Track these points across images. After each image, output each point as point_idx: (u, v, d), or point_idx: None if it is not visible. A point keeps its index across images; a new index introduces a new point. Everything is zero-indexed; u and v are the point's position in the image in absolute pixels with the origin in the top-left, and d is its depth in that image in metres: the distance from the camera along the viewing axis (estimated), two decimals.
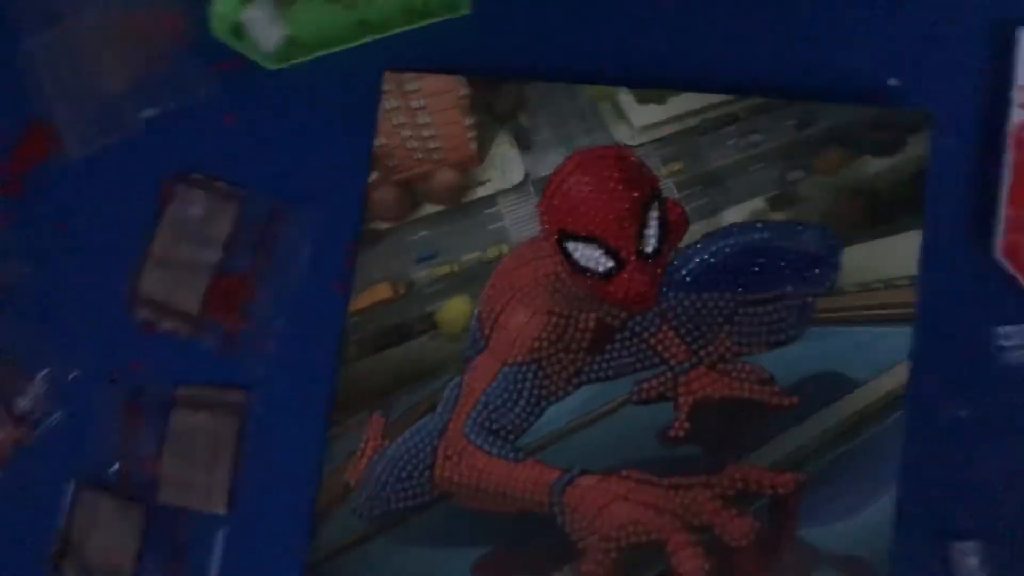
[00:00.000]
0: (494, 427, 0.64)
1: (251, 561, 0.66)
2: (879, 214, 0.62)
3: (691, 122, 0.66)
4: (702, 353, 0.63)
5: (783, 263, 0.63)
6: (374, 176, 0.69)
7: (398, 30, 0.71)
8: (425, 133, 0.69)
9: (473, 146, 0.68)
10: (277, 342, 0.68)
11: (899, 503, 0.58)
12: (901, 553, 0.58)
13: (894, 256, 0.61)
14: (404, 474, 0.65)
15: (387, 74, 0.70)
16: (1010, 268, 0.60)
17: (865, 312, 0.61)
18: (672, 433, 0.62)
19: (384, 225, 0.68)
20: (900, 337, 0.60)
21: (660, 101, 0.66)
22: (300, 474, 0.66)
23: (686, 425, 0.62)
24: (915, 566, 0.59)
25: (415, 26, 0.71)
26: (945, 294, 0.61)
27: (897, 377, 0.60)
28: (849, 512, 0.59)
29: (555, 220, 0.66)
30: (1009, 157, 0.61)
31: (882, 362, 0.60)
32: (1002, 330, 0.61)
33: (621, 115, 0.67)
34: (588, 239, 0.65)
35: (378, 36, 0.71)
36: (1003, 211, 0.61)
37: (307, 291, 0.69)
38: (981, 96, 0.64)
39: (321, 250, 0.69)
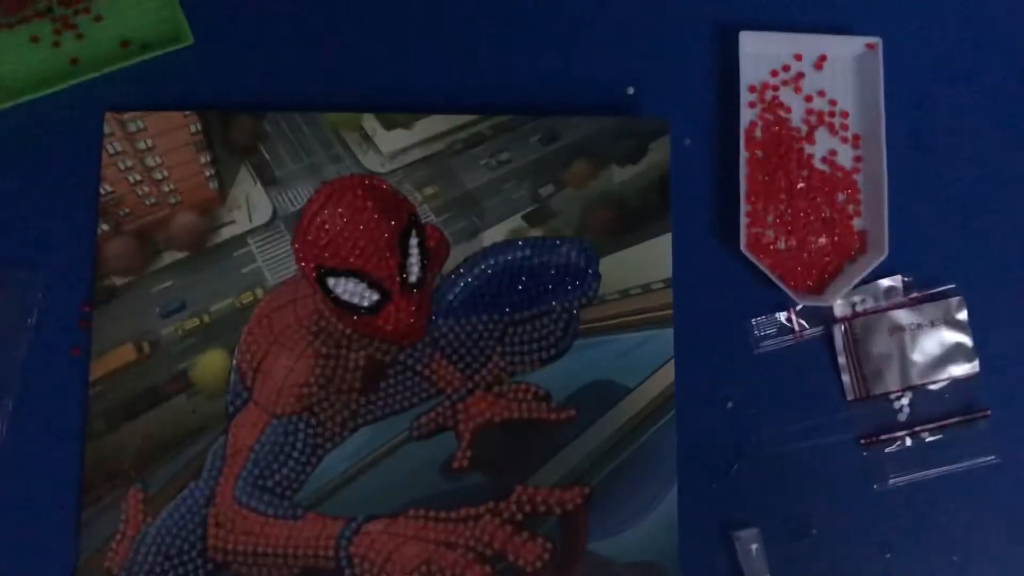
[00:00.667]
0: (268, 485, 0.60)
1: None
2: (630, 222, 0.63)
3: (440, 145, 0.64)
4: (476, 378, 0.61)
5: (545, 279, 0.63)
6: (104, 227, 0.63)
7: (117, 67, 0.65)
8: (157, 175, 0.64)
9: (212, 185, 0.64)
10: (8, 423, 0.61)
11: (680, 499, 0.60)
12: (688, 549, 0.59)
13: (649, 261, 0.63)
14: (173, 551, 0.59)
15: (108, 115, 0.64)
16: (755, 261, 0.63)
17: (628, 318, 0.62)
18: (456, 464, 0.60)
19: (121, 280, 0.62)
20: (663, 339, 0.62)
21: (407, 126, 0.64)
22: (52, 568, 0.59)
23: (469, 454, 0.60)
24: (702, 560, 0.60)
25: (135, 61, 0.65)
26: (700, 292, 0.63)
27: (665, 379, 0.61)
28: (636, 518, 0.60)
29: (312, 257, 0.62)
30: (743, 155, 0.64)
31: (649, 366, 0.62)
32: (755, 321, 0.63)
33: (368, 142, 0.64)
34: (349, 273, 0.62)
35: (95, 75, 0.65)
36: (743, 207, 0.64)
37: (39, 363, 0.62)
38: (713, 99, 0.67)
39: (51, 315, 0.62)
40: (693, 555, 0.60)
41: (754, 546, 0.59)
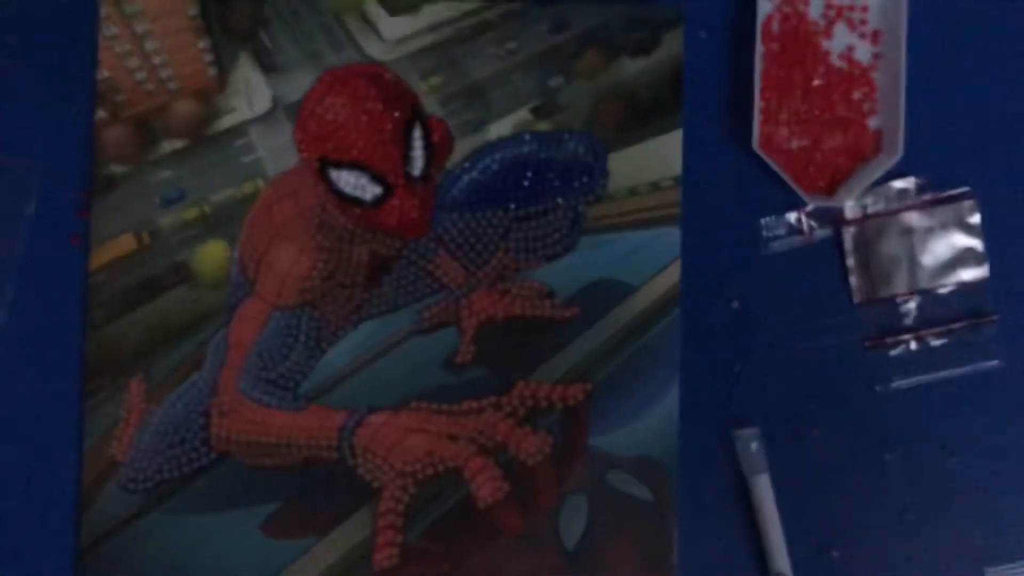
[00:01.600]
0: (271, 376, 0.60)
1: (15, 559, 0.60)
2: (641, 116, 0.62)
3: (446, 32, 0.62)
4: (480, 274, 0.61)
5: (552, 174, 0.61)
6: (101, 114, 0.61)
7: None
8: (155, 61, 0.62)
9: (212, 71, 0.62)
10: (8, 314, 0.60)
11: (682, 398, 0.60)
12: (688, 446, 0.60)
13: (658, 158, 0.61)
14: (176, 439, 0.60)
15: None
16: (767, 159, 0.61)
17: (635, 216, 0.61)
18: (459, 359, 0.60)
19: (119, 168, 0.61)
20: (670, 238, 0.61)
21: (412, 11, 0.62)
22: (56, 455, 0.60)
23: (472, 349, 0.60)
24: (701, 457, 0.61)
25: None
26: (710, 190, 0.62)
27: (671, 278, 0.61)
28: (636, 415, 0.60)
29: (313, 148, 0.61)
30: (759, 49, 0.62)
31: (655, 264, 0.61)
32: (764, 221, 0.62)
33: (371, 28, 0.62)
34: (351, 165, 0.61)
35: None
36: (757, 103, 0.62)
37: (38, 253, 0.61)
38: None
39: (49, 204, 0.61)
40: (693, 452, 0.60)
41: (754, 444, 0.60)
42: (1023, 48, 0.65)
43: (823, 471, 0.61)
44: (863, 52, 0.64)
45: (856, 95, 0.64)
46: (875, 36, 0.64)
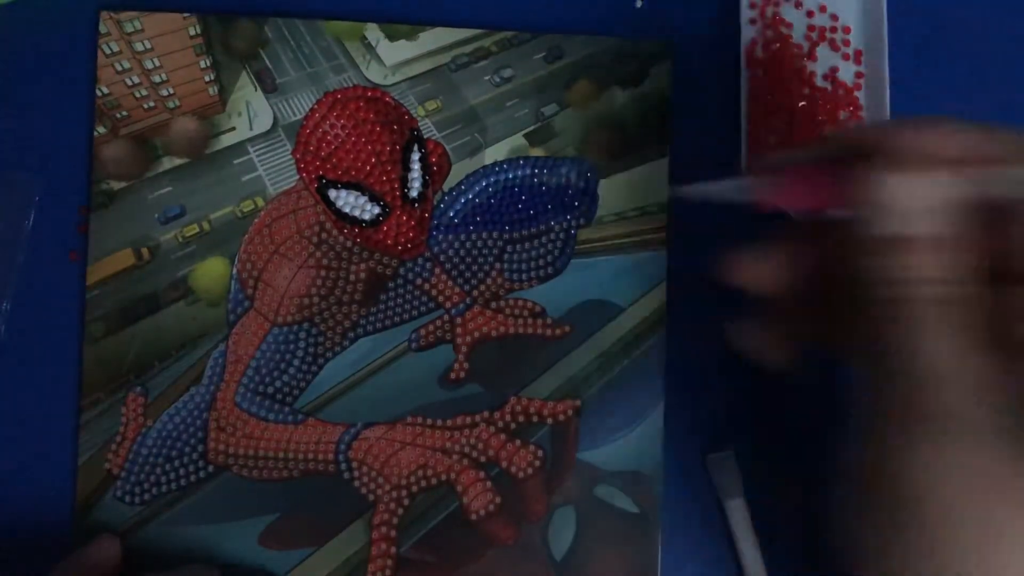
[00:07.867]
0: (268, 391, 0.61)
1: (10, 570, 0.60)
2: (629, 145, 0.64)
3: (444, 58, 0.64)
4: (475, 293, 0.63)
5: (545, 198, 0.64)
6: (100, 131, 0.62)
7: None
8: (155, 79, 0.62)
9: (212, 90, 0.63)
10: (6, 327, 0.61)
11: (668, 416, 0.62)
12: (674, 462, 0.62)
13: (646, 185, 0.64)
14: (174, 452, 0.60)
15: (103, 14, 0.62)
16: (757, 183, 0.62)
17: (623, 240, 0.64)
18: (453, 375, 0.62)
19: (118, 184, 0.62)
20: (657, 261, 0.63)
21: (411, 37, 0.64)
22: (53, 467, 0.60)
23: (465, 366, 0.62)
24: (687, 473, 0.63)
25: None
26: (700, 213, 0.64)
27: (657, 299, 0.63)
28: (623, 430, 0.62)
29: (313, 167, 0.62)
30: (744, 74, 0.64)
31: (642, 286, 0.63)
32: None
33: (371, 53, 0.64)
34: (350, 186, 0.62)
35: None
36: (744, 128, 0.63)
37: (36, 266, 0.61)
38: (714, 16, 0.66)
39: (47, 219, 0.62)
40: (679, 470, 0.62)
41: (727, 468, 0.61)
42: (999, 56, 0.67)
43: (801, 493, 0.62)
44: (847, 72, 0.66)
45: (842, 115, 0.65)
46: (858, 56, 0.66)
